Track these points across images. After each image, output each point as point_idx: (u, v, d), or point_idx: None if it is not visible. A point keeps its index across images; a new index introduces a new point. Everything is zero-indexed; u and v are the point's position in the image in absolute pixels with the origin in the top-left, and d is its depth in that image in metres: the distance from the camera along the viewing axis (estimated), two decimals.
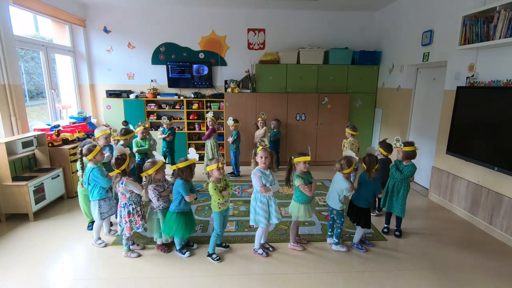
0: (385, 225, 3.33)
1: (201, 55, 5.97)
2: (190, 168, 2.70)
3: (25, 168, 3.86)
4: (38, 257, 2.83)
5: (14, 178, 3.52)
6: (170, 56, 5.91)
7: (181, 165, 2.66)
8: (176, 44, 5.88)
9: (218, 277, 2.56)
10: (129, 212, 2.73)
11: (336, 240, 2.94)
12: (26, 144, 3.71)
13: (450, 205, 3.92)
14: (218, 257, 2.78)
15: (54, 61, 5.25)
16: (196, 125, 6.06)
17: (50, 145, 4.09)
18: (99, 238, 3.03)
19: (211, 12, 5.77)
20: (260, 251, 2.87)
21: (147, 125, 4.43)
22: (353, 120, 5.89)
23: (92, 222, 3.19)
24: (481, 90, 3.37)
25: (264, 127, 5.21)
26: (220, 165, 2.64)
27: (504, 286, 2.50)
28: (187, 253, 2.85)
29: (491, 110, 3.19)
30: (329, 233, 3.09)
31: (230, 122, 4.93)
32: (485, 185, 3.39)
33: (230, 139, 4.98)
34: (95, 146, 2.90)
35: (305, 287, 2.46)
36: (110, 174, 2.79)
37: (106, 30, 5.73)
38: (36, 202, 3.58)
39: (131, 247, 2.88)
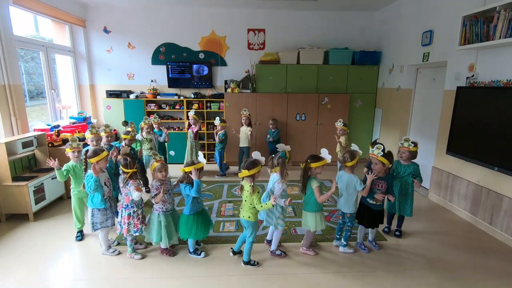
0: (386, 225, 3.32)
1: (201, 55, 5.97)
2: (198, 172, 2.67)
3: (25, 168, 3.86)
4: (38, 257, 2.83)
5: (14, 178, 3.52)
6: (170, 56, 5.91)
7: (187, 169, 2.63)
8: (176, 44, 5.88)
9: (218, 277, 2.56)
10: (129, 215, 2.70)
11: (344, 243, 2.93)
12: (26, 144, 3.72)
13: (450, 205, 3.92)
14: (257, 262, 2.73)
15: (54, 61, 5.25)
16: None
17: (50, 145, 4.09)
18: (110, 247, 2.89)
19: (211, 12, 5.77)
20: (278, 251, 2.87)
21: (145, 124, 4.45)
22: (353, 120, 5.90)
23: (81, 231, 3.13)
24: (481, 90, 3.36)
25: (249, 127, 5.10)
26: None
27: (504, 286, 2.50)
28: (203, 254, 2.82)
29: (491, 110, 3.19)
30: (337, 236, 3.05)
31: (217, 122, 4.96)
32: (485, 185, 3.38)
33: (219, 139, 4.99)
34: (102, 150, 2.74)
35: (304, 287, 2.46)
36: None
37: (106, 30, 5.73)
38: (36, 202, 3.58)
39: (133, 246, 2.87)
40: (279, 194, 2.63)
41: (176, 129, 5.95)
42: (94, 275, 2.59)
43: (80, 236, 3.12)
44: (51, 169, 3.89)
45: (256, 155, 2.62)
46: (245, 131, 5.10)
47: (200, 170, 2.67)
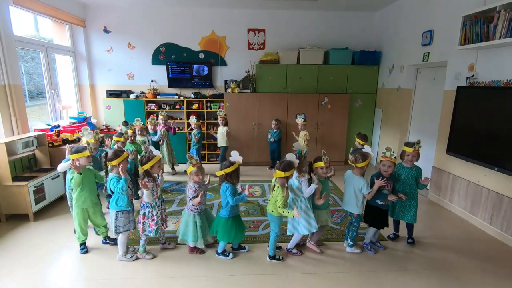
0: (394, 232, 3.22)
1: (201, 55, 5.97)
2: (237, 171, 2.68)
3: (25, 168, 3.86)
4: (38, 257, 2.83)
5: (14, 178, 3.52)
6: (170, 56, 5.91)
7: (228, 170, 2.63)
8: (176, 44, 5.88)
9: (218, 277, 2.56)
10: (144, 214, 2.70)
11: (351, 243, 2.93)
12: (26, 144, 3.72)
13: (450, 205, 3.92)
14: (282, 257, 2.80)
15: (54, 61, 5.25)
16: None
17: (50, 145, 4.10)
18: (126, 252, 2.80)
19: (211, 12, 5.77)
20: (295, 250, 2.91)
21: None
22: (353, 120, 5.90)
23: (84, 243, 2.90)
24: (481, 90, 3.36)
25: (226, 127, 5.10)
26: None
27: (504, 286, 2.50)
28: (231, 255, 2.83)
29: (491, 110, 3.19)
30: (347, 236, 3.02)
31: (193, 121, 5.00)
32: (485, 185, 3.38)
33: (196, 138, 5.05)
34: (122, 151, 2.67)
35: (305, 286, 2.46)
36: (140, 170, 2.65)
37: (106, 31, 5.73)
38: (36, 202, 3.58)
39: (161, 246, 2.91)
40: (309, 193, 2.66)
41: (176, 129, 5.94)
42: (94, 275, 2.59)
43: (85, 248, 2.92)
44: (51, 169, 3.90)
45: (290, 156, 2.63)
46: (222, 131, 5.13)
47: (239, 170, 2.70)
